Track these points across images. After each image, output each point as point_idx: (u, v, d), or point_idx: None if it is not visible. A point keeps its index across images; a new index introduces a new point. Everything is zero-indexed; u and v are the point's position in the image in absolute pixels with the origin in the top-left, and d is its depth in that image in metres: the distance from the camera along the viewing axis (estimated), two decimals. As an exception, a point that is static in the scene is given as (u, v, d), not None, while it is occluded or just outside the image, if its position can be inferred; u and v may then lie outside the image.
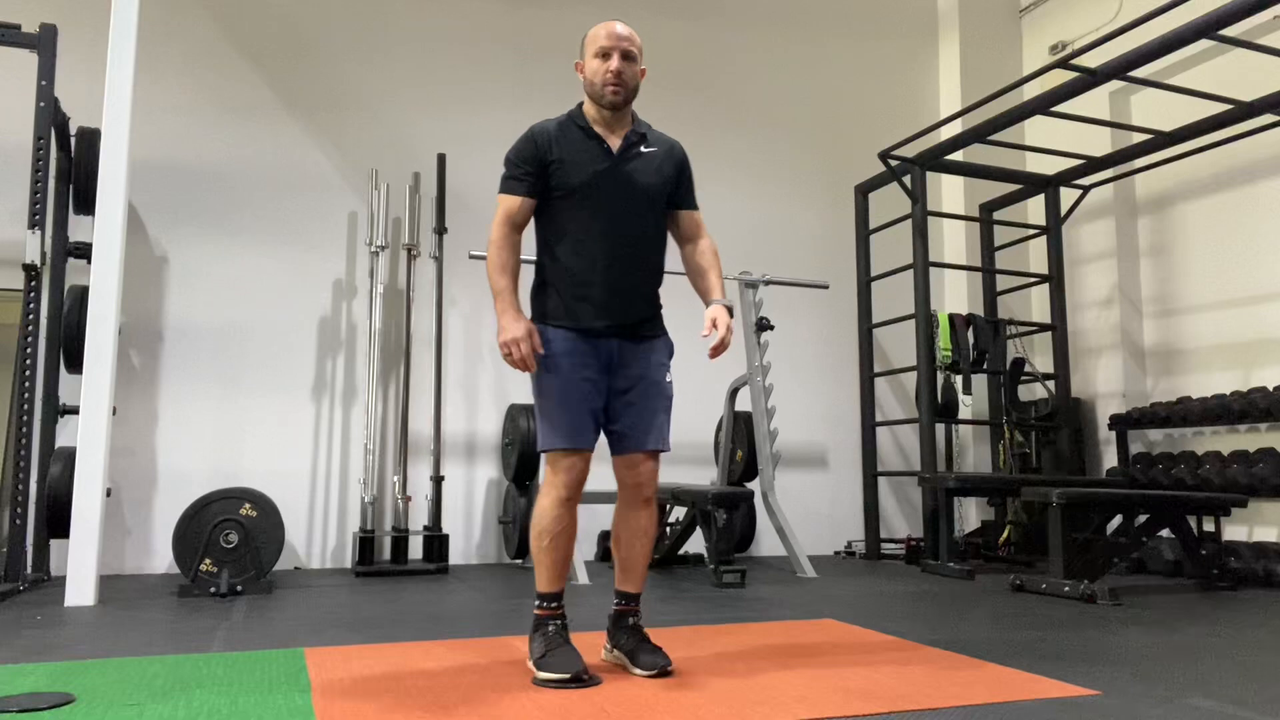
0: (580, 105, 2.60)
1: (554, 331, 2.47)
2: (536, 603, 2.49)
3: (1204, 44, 4.68)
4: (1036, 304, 6.59)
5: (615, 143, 2.54)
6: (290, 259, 5.47)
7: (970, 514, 6.31)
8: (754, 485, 5.28)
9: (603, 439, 2.55)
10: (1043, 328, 6.19)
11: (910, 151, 5.73)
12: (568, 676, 2.28)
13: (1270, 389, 4.97)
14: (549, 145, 2.49)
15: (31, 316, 4.19)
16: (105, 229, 3.96)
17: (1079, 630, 3.21)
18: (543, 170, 2.47)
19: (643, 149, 2.57)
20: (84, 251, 4.48)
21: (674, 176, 2.60)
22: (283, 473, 5.21)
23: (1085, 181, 6.11)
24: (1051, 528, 4.25)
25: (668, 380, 2.58)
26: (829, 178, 6.66)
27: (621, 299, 2.49)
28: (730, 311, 2.51)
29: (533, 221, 2.53)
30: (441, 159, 5.67)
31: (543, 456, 2.53)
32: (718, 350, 2.47)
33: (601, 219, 2.46)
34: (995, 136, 5.41)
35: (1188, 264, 5.72)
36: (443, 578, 4.82)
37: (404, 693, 2.23)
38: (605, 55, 2.50)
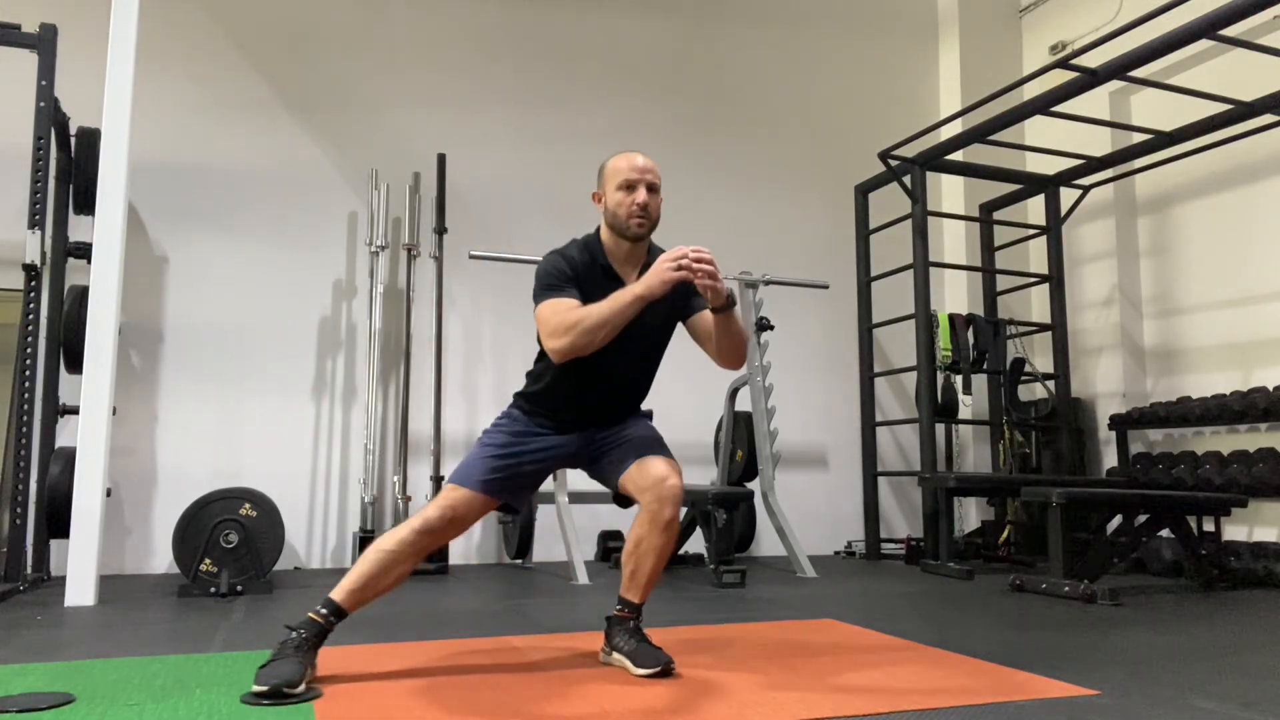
0: (597, 233, 2.53)
1: (529, 422, 2.54)
2: (320, 607, 2.35)
3: (1204, 44, 4.67)
4: (1036, 304, 6.59)
5: (633, 278, 2.48)
6: (290, 259, 5.47)
7: (970, 514, 6.31)
8: (754, 485, 5.28)
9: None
10: (1043, 328, 6.18)
11: (910, 151, 5.73)
12: (265, 689, 2.09)
13: (1270, 389, 4.96)
14: (577, 273, 2.44)
15: (31, 316, 4.19)
16: (105, 229, 3.96)
17: (1079, 630, 3.21)
18: (578, 286, 2.42)
19: None
20: (84, 251, 4.47)
21: (685, 293, 2.47)
22: (283, 473, 5.21)
23: (1085, 181, 6.10)
24: (1051, 528, 4.25)
25: (651, 424, 2.62)
26: (829, 178, 6.66)
27: (606, 420, 2.56)
28: (733, 298, 2.41)
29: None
30: (441, 159, 5.67)
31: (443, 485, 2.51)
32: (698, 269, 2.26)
33: (604, 358, 2.41)
34: (995, 136, 5.41)
35: (1188, 264, 5.72)
36: (443, 578, 4.82)
37: (404, 693, 2.23)
38: (630, 188, 2.43)
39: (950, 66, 7.00)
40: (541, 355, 2.52)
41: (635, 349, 2.50)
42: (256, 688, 2.12)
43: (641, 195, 2.43)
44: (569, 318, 2.30)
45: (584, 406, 2.54)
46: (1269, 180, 5.26)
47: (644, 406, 2.70)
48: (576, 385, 2.50)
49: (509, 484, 2.49)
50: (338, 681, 2.33)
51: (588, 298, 2.36)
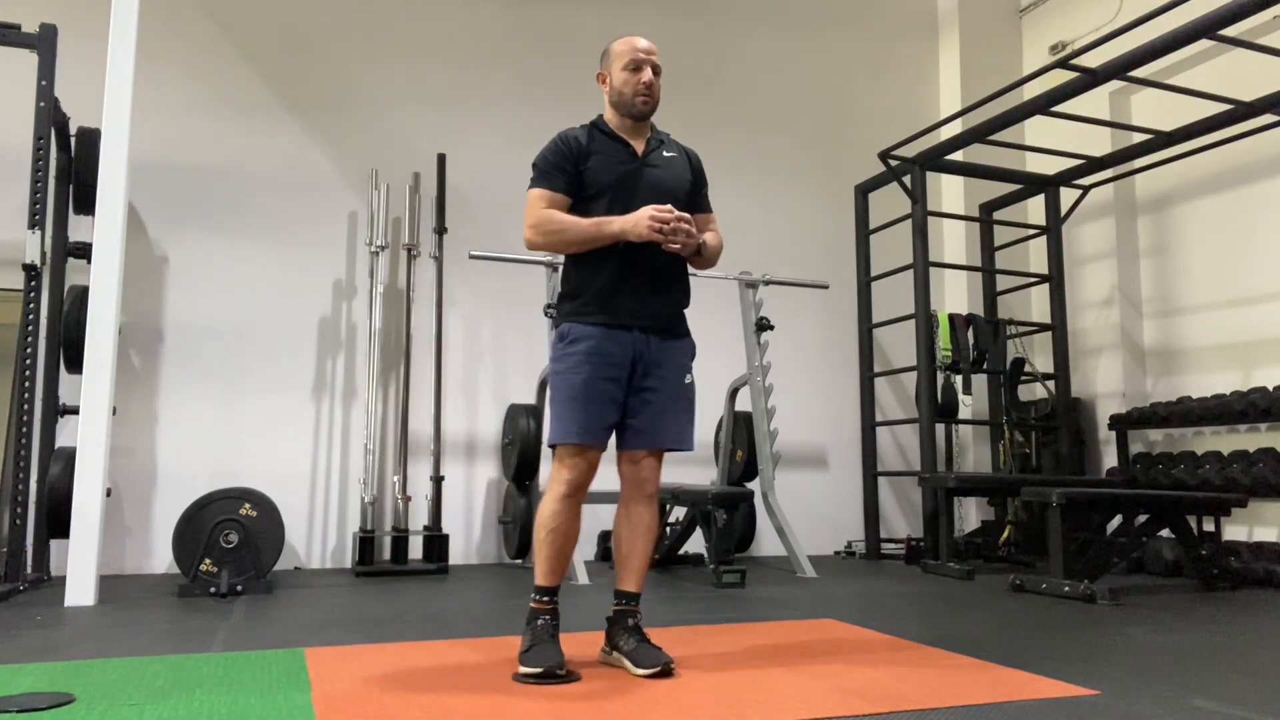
0: (600, 116, 2.68)
1: (580, 328, 2.52)
2: (532, 594, 2.54)
3: (1204, 44, 4.68)
4: (1036, 304, 6.59)
5: (639, 146, 2.64)
6: (290, 259, 5.47)
7: (970, 514, 6.31)
8: (754, 485, 5.28)
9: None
10: (1043, 328, 6.19)
11: (910, 151, 5.73)
12: (540, 671, 2.31)
13: (1270, 389, 4.97)
14: (580, 146, 2.57)
15: (31, 316, 4.19)
16: (105, 229, 3.96)
17: (1079, 630, 3.21)
18: (576, 170, 2.54)
19: (664, 152, 2.68)
20: (84, 251, 4.47)
21: (691, 180, 2.71)
22: (283, 473, 5.21)
23: (1085, 181, 6.11)
24: (1051, 528, 4.25)
25: (688, 381, 2.66)
26: (829, 178, 6.66)
27: (649, 298, 2.56)
28: (702, 248, 2.56)
29: None
30: (441, 159, 5.67)
31: (552, 450, 2.53)
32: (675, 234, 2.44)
33: (635, 208, 2.51)
34: (995, 136, 5.41)
35: (1188, 264, 5.72)
36: (443, 578, 4.82)
37: (404, 693, 2.23)
38: (637, 68, 2.58)
39: (950, 66, 7.01)
40: None
41: (666, 194, 2.57)
42: (528, 669, 2.33)
43: (647, 75, 2.57)
44: (554, 221, 2.50)
45: (630, 278, 2.52)
46: (1269, 180, 5.26)
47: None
48: (616, 253, 2.51)
49: (608, 419, 2.50)
50: (338, 682, 2.33)
51: (595, 160, 2.54)
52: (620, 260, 2.52)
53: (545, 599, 2.51)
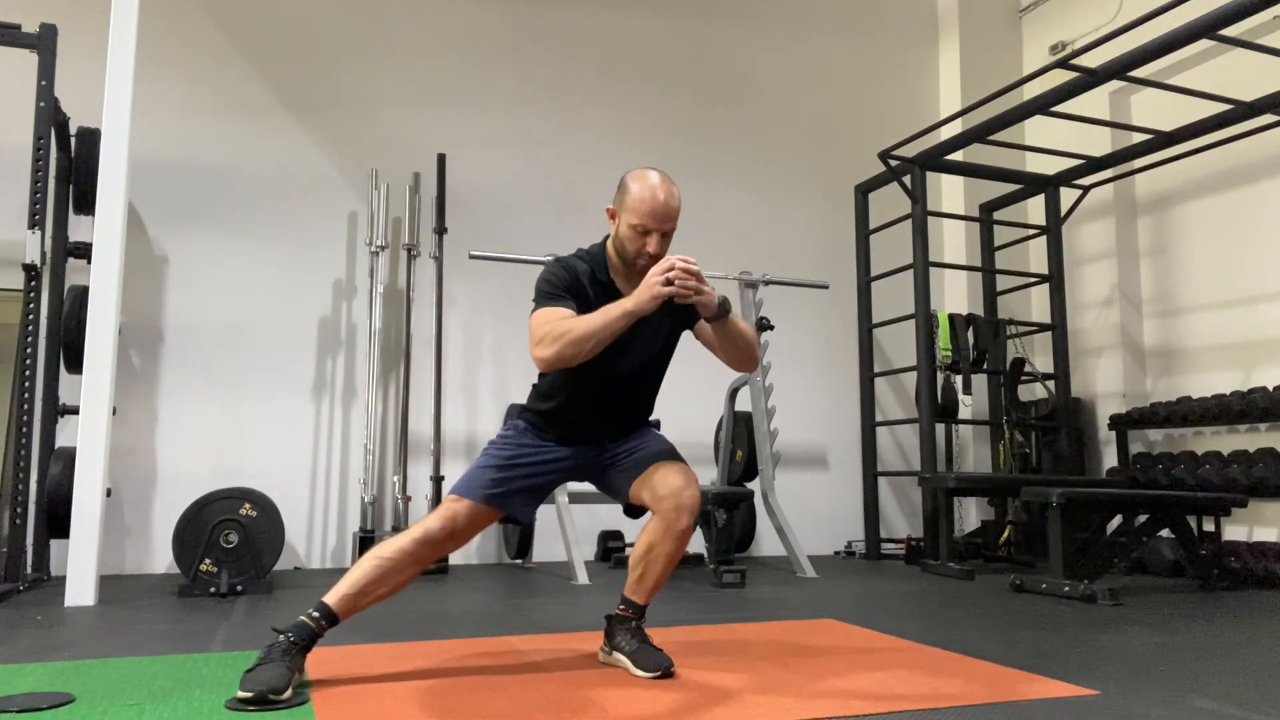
0: (603, 246, 2.49)
1: (537, 435, 2.51)
2: (311, 610, 2.30)
3: (1204, 44, 4.68)
4: (1036, 304, 6.59)
5: None
6: (290, 259, 5.47)
7: (970, 514, 6.31)
8: (754, 485, 5.28)
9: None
10: (1043, 328, 6.18)
11: (910, 151, 5.73)
12: (250, 696, 2.05)
13: (1270, 389, 4.96)
14: (581, 283, 2.41)
15: (31, 316, 4.19)
16: (105, 229, 3.96)
17: (1079, 630, 3.21)
18: (577, 299, 2.37)
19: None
20: (84, 251, 4.47)
21: (685, 310, 2.39)
22: (283, 473, 5.21)
23: (1085, 181, 6.11)
24: (1051, 528, 4.25)
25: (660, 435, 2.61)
26: (829, 178, 6.66)
27: (613, 434, 2.54)
28: (726, 305, 2.35)
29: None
30: (441, 159, 5.67)
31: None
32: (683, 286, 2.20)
33: (607, 372, 2.41)
34: (995, 136, 5.41)
35: (1188, 264, 5.72)
36: (443, 578, 4.82)
37: (404, 693, 2.23)
38: (645, 233, 2.35)
39: (950, 66, 7.01)
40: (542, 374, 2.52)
41: (643, 358, 2.49)
42: (241, 693, 2.07)
43: (653, 245, 2.35)
44: (557, 328, 2.25)
45: (595, 419, 2.51)
46: (1269, 180, 5.26)
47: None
48: (587, 398, 2.47)
49: (514, 497, 2.45)
50: (338, 682, 2.33)
51: (586, 309, 2.32)
52: (588, 408, 2.48)
53: (317, 617, 2.28)
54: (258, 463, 5.17)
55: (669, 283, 2.17)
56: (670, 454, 2.52)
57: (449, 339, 5.65)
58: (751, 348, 2.47)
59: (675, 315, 2.44)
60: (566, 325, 2.25)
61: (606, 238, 2.50)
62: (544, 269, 2.44)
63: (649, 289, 2.18)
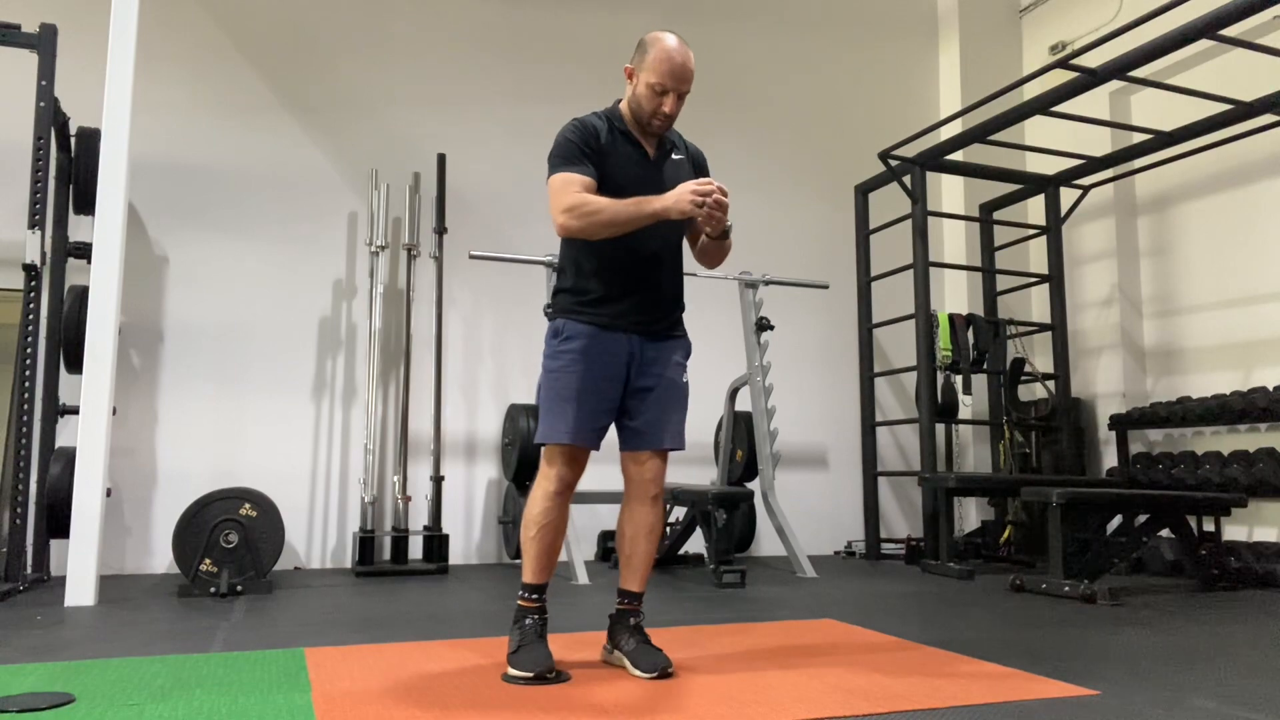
0: (616, 105, 2.59)
1: (575, 326, 2.49)
2: (520, 592, 2.54)
3: (1204, 44, 4.68)
4: (1036, 304, 6.59)
5: (651, 149, 2.59)
6: (290, 259, 5.47)
7: (970, 514, 6.31)
8: (754, 485, 5.28)
9: (611, 432, 2.56)
10: (1043, 328, 6.19)
11: (910, 151, 5.73)
12: (531, 675, 2.31)
13: (1270, 389, 4.96)
14: (598, 135, 2.49)
15: (31, 316, 4.19)
16: (105, 229, 3.96)
17: (1079, 630, 3.21)
18: (596, 157, 2.46)
19: (674, 155, 2.63)
20: (84, 251, 4.47)
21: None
22: (283, 473, 5.21)
23: (1085, 181, 6.11)
24: (1051, 528, 4.25)
25: (684, 380, 2.63)
26: (829, 178, 6.66)
27: (647, 303, 2.54)
28: (727, 231, 2.49)
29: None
30: (441, 159, 5.66)
31: (542, 448, 2.52)
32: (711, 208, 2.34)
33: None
34: (995, 136, 5.41)
35: (1188, 264, 5.72)
36: (443, 578, 4.82)
37: (404, 693, 2.23)
38: (663, 92, 2.46)
39: (950, 66, 7.01)
40: (570, 239, 2.53)
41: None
42: (519, 673, 2.31)
43: (669, 105, 2.46)
44: (588, 204, 2.35)
45: (629, 280, 2.50)
46: (1269, 180, 5.26)
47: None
48: (617, 253, 2.48)
49: (599, 431, 2.49)
50: (338, 682, 2.33)
51: (606, 158, 2.45)
52: (618, 262, 2.50)
53: (534, 597, 2.52)
54: (258, 463, 5.17)
55: (701, 205, 2.30)
56: (660, 436, 2.54)
57: (449, 339, 5.65)
58: (723, 258, 2.65)
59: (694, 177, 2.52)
60: (597, 204, 2.35)
61: (618, 101, 2.59)
62: (561, 129, 2.50)
63: (683, 199, 2.31)
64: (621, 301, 2.50)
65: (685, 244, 2.69)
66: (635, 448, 2.54)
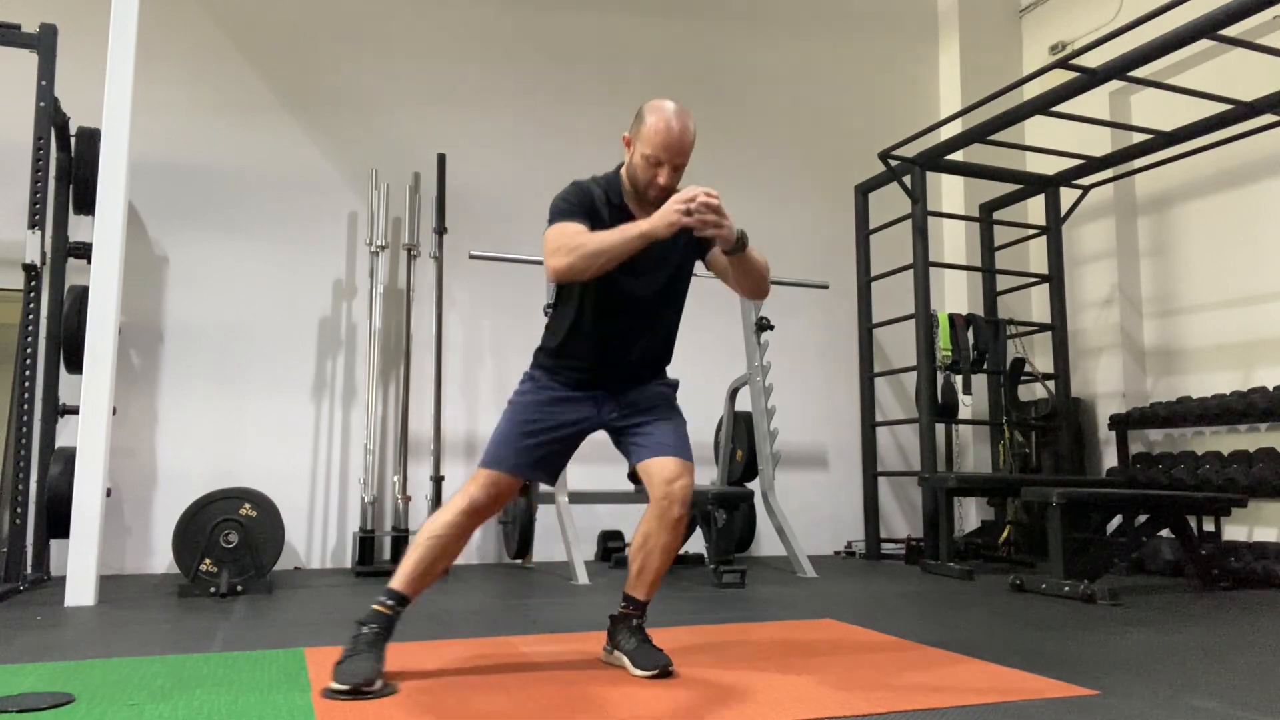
0: (618, 172, 2.50)
1: (546, 379, 2.50)
2: (380, 596, 2.40)
3: (1204, 44, 4.68)
4: (1036, 304, 6.59)
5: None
6: (290, 259, 5.47)
7: (970, 514, 6.31)
8: (754, 485, 5.28)
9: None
10: (1043, 328, 6.19)
11: (910, 151, 5.73)
12: (346, 689, 2.15)
13: (1270, 389, 4.96)
14: (595, 204, 2.42)
15: (31, 316, 4.19)
16: (105, 229, 3.96)
17: (1079, 630, 3.21)
18: (591, 220, 2.37)
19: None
20: (84, 251, 4.47)
21: (703, 242, 2.46)
22: (283, 473, 5.21)
23: (1085, 181, 6.11)
24: (1051, 528, 4.25)
25: (676, 405, 2.59)
26: (829, 178, 6.66)
27: (627, 376, 2.52)
28: (744, 239, 2.34)
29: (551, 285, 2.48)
30: (441, 159, 5.66)
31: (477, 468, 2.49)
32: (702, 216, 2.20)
33: (622, 299, 2.43)
34: (995, 136, 5.41)
35: (1188, 264, 5.72)
36: (443, 578, 4.80)
37: (404, 693, 2.23)
38: (657, 164, 2.36)
39: (950, 66, 7.01)
40: (559, 299, 2.52)
41: (656, 281, 2.47)
42: (337, 685, 2.17)
43: (664, 177, 2.37)
44: (573, 240, 2.28)
45: (609, 352, 2.49)
46: (1269, 180, 5.26)
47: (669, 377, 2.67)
48: (600, 324, 2.46)
49: (542, 464, 2.48)
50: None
51: (600, 229, 2.34)
52: (599, 340, 2.47)
53: (391, 604, 2.38)
54: (258, 463, 5.17)
55: (689, 213, 2.18)
56: (676, 445, 2.50)
57: (449, 339, 5.65)
58: (764, 278, 2.49)
59: (691, 240, 2.43)
60: (582, 239, 2.27)
61: (620, 165, 2.51)
62: (559, 193, 2.45)
63: (668, 215, 2.19)
64: (596, 373, 2.50)
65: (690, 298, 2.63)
66: (650, 456, 2.47)
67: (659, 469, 2.44)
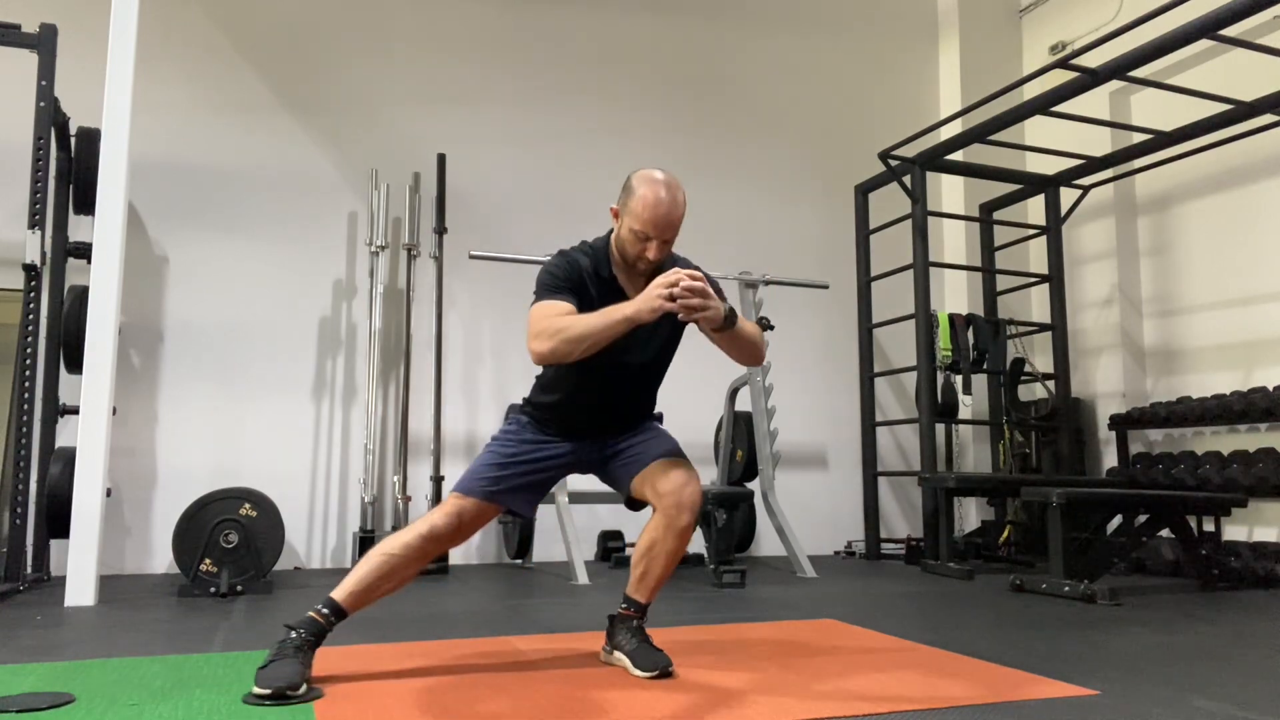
0: (607, 241, 2.47)
1: (539, 430, 2.52)
2: (320, 605, 2.35)
3: (1204, 44, 4.68)
4: (1036, 304, 6.59)
5: (638, 292, 2.39)
6: (290, 259, 5.47)
7: (970, 514, 6.31)
8: (754, 485, 5.28)
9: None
10: (1043, 328, 6.19)
11: (910, 151, 5.73)
12: (268, 692, 2.10)
13: (1270, 389, 4.97)
14: (583, 279, 2.39)
15: (31, 316, 4.19)
16: (105, 229, 3.96)
17: (1079, 630, 3.21)
18: (579, 294, 2.36)
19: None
20: (84, 251, 4.47)
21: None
22: (283, 473, 5.21)
23: (1085, 181, 6.11)
24: (1051, 528, 4.25)
25: (663, 428, 2.62)
26: (829, 178, 6.66)
27: (615, 429, 2.54)
28: (732, 317, 2.34)
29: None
30: (441, 159, 5.67)
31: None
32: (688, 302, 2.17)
33: (612, 369, 2.42)
34: (995, 136, 5.41)
35: (1188, 264, 5.72)
36: (443, 578, 4.82)
37: (404, 693, 2.23)
38: (645, 239, 2.33)
39: (950, 66, 7.01)
40: (546, 370, 2.53)
41: (645, 354, 2.49)
42: (258, 690, 2.12)
43: (653, 252, 2.34)
44: (555, 324, 2.24)
45: (597, 414, 2.52)
46: (1269, 180, 5.26)
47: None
48: (589, 393, 2.47)
49: (516, 493, 2.47)
50: (338, 681, 2.33)
51: (588, 305, 2.32)
52: (591, 402, 2.48)
53: (326, 613, 2.32)
54: (258, 463, 5.17)
55: (672, 298, 2.15)
56: (674, 452, 2.52)
57: (449, 339, 5.65)
58: (756, 348, 2.51)
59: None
60: (565, 322, 2.24)
61: (611, 232, 2.48)
62: (547, 262, 2.43)
63: (651, 300, 2.16)
64: (585, 428, 2.52)
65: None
66: (646, 462, 2.48)
67: (664, 477, 2.43)
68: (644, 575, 2.51)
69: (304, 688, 2.16)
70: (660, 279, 2.19)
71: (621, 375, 2.47)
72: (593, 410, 2.51)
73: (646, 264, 2.37)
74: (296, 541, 5.21)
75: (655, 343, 2.50)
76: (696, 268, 2.42)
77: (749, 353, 2.51)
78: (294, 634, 2.29)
